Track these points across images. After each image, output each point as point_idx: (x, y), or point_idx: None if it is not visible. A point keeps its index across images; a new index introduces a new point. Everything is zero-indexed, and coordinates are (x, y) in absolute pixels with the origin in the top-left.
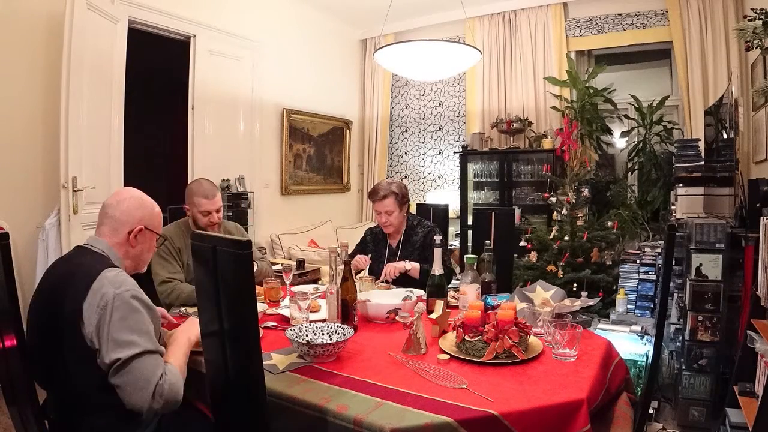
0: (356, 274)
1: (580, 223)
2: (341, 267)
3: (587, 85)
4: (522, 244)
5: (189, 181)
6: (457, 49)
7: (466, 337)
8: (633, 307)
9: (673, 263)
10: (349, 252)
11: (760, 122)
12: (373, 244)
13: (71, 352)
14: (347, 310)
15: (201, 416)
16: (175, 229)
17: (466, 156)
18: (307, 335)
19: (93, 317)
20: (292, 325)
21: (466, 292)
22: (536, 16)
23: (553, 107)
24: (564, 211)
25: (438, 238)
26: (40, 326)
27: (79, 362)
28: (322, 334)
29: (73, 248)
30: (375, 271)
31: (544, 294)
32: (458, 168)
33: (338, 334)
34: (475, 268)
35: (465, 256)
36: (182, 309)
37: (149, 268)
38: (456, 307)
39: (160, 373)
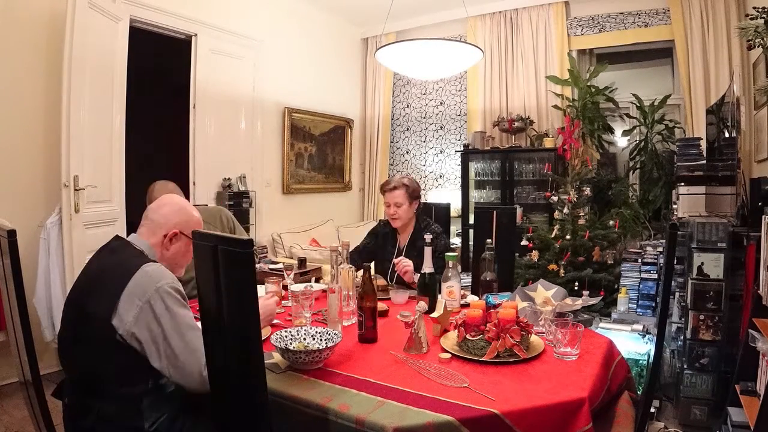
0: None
1: (581, 222)
2: (343, 266)
3: (589, 83)
4: (523, 243)
5: (190, 180)
6: (459, 48)
7: (468, 336)
8: (634, 306)
9: (675, 262)
10: (358, 245)
11: (761, 121)
12: (383, 239)
13: (98, 341)
14: (370, 319)
15: (202, 415)
16: None
17: (467, 155)
18: (288, 343)
19: (132, 310)
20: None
21: (453, 293)
22: (538, 14)
23: (555, 106)
24: (565, 210)
25: (428, 237)
26: (75, 308)
27: (102, 351)
28: (304, 339)
29: (114, 238)
30: (381, 271)
31: (545, 293)
32: (460, 167)
33: (323, 340)
34: (456, 265)
35: (445, 254)
36: None
37: None
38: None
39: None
